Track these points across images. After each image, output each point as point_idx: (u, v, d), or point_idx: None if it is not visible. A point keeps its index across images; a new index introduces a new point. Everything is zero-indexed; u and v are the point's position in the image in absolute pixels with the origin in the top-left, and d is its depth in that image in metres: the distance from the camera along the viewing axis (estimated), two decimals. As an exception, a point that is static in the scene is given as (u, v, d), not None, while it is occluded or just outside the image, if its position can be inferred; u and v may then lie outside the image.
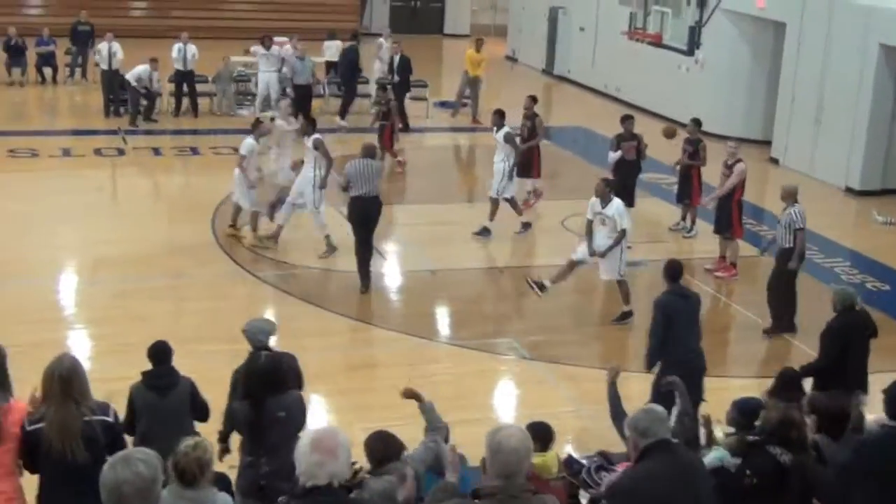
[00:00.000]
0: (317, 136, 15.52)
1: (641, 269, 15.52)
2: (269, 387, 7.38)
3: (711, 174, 16.91)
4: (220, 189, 16.94)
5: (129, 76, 22.93)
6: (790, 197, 13.90)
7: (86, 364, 7.36)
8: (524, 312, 14.39)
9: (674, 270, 10.62)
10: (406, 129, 23.31)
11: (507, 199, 16.99)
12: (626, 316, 13.99)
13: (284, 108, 17.52)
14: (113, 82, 23.60)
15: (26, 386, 7.50)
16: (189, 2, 34.45)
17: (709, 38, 24.29)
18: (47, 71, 26.97)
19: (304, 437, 5.17)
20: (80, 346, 12.33)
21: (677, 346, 10.20)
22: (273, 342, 8.80)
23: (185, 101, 24.02)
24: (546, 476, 7.44)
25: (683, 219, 17.91)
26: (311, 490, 5.02)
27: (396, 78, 24.22)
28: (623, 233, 13.70)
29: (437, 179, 20.84)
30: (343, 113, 24.32)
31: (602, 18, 29.19)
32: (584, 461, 9.23)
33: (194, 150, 20.95)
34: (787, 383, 9.24)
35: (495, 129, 17.17)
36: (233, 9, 34.71)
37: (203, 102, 24.42)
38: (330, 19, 34.39)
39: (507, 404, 12.12)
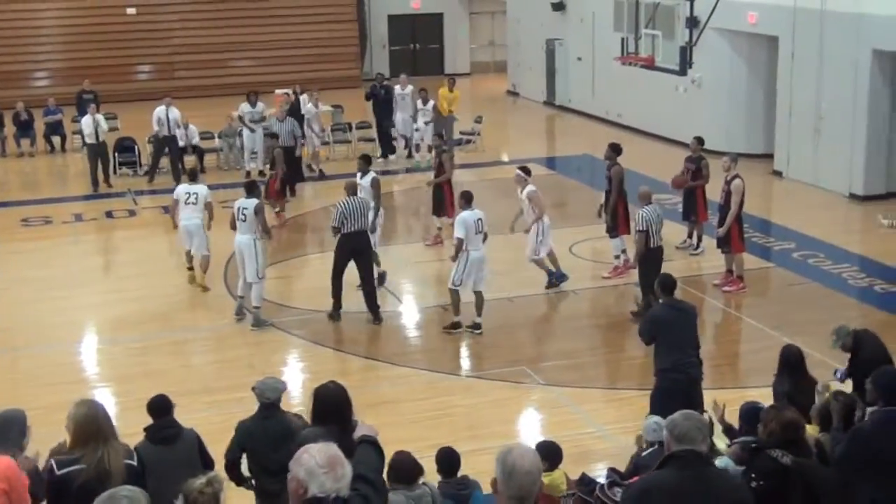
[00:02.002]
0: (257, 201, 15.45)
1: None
2: (341, 413, 7.19)
3: (715, 191, 17.05)
4: (231, 242, 17.08)
5: (153, 122, 23.30)
6: (643, 199, 14.76)
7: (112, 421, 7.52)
8: (535, 340, 14.55)
9: (666, 285, 10.88)
10: (294, 178, 22.55)
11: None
12: (456, 326, 14.65)
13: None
14: (100, 154, 23.39)
15: (45, 446, 7.68)
16: (192, 62, 35.01)
17: (704, 56, 24.45)
18: (56, 140, 27.41)
19: (310, 455, 4.90)
20: (104, 404, 12.47)
21: (671, 354, 10.48)
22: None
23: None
24: (555, 494, 7.56)
25: (690, 236, 18.04)
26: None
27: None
28: (459, 241, 14.26)
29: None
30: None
31: (598, 47, 29.43)
32: (598, 479, 9.37)
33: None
34: (789, 361, 9.42)
35: (360, 174, 16.59)
36: (235, 65, 35.15)
37: (209, 158, 24.77)
38: (332, 68, 34.94)
39: (523, 431, 12.23)
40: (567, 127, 30.88)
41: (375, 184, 16.41)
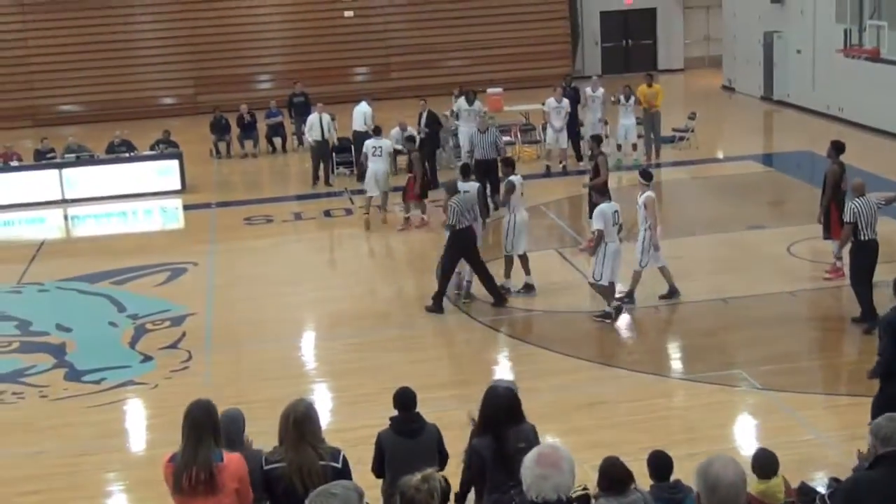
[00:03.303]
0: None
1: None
2: (510, 417, 7.43)
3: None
4: (441, 240, 17.22)
5: (354, 121, 24.17)
6: (855, 191, 14.29)
7: (328, 416, 7.75)
8: (750, 343, 14.15)
9: None
10: (431, 184, 21.66)
11: (519, 256, 16.30)
12: (607, 316, 14.88)
13: None
14: (324, 153, 24.25)
15: (268, 439, 7.96)
16: (406, 63, 35.66)
17: (932, 47, 23.41)
18: (277, 141, 28.43)
19: (529, 454, 5.21)
20: (322, 398, 12.86)
21: None
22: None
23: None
24: (773, 503, 7.36)
25: (920, 236, 17.21)
26: None
27: (425, 131, 23.52)
28: (599, 233, 14.62)
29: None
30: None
31: (819, 38, 28.50)
32: (820, 488, 9.07)
33: (418, 205, 21.55)
34: None
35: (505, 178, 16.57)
36: (448, 65, 35.58)
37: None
38: (543, 66, 34.93)
39: (740, 436, 11.94)
40: (786, 122, 30.00)
41: (509, 187, 16.14)
